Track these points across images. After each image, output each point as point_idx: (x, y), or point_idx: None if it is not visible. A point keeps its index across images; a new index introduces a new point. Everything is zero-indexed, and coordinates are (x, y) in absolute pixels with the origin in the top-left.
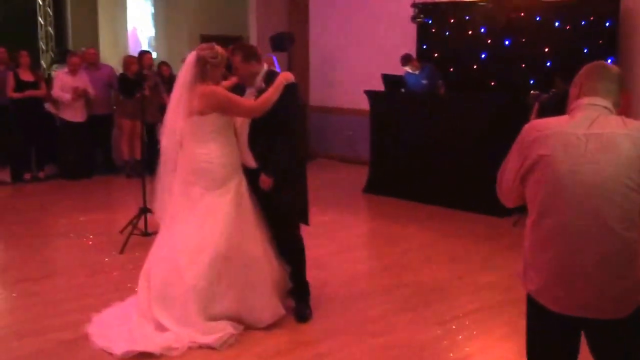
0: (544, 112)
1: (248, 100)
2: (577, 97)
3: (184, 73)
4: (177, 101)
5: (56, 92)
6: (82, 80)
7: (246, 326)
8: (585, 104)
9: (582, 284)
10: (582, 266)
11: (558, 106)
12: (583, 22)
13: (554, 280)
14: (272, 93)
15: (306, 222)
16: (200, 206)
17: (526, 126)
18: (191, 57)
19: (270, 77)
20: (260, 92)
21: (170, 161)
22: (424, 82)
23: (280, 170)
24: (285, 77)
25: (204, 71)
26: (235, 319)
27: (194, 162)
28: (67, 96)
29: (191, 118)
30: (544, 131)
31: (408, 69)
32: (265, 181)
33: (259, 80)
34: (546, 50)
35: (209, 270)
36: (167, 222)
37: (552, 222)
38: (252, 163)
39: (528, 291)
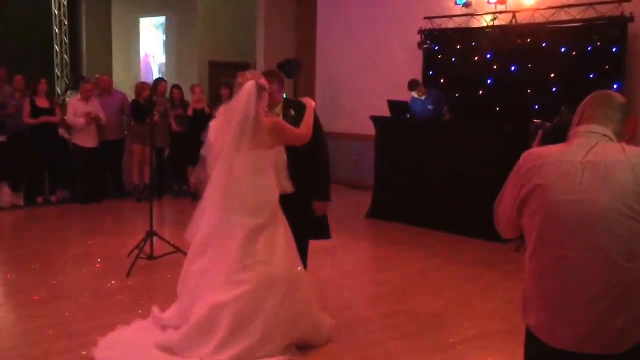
0: (547, 141)
1: (297, 128)
2: (577, 124)
3: (249, 104)
4: (241, 134)
5: (70, 117)
6: (94, 107)
7: (306, 346)
8: (583, 132)
9: (580, 317)
10: (581, 299)
11: (561, 135)
12: (590, 48)
13: (552, 314)
14: (310, 118)
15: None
16: (260, 238)
17: (523, 155)
18: (251, 86)
19: (291, 104)
20: (291, 118)
21: (219, 191)
22: (430, 107)
23: (329, 194)
24: (311, 103)
25: (258, 101)
26: (301, 342)
27: (258, 194)
28: (81, 120)
29: (256, 151)
30: (540, 160)
31: (415, 94)
32: (322, 207)
33: (280, 107)
34: (552, 76)
35: (284, 299)
36: (198, 248)
37: (550, 253)
38: (290, 189)
39: (527, 325)
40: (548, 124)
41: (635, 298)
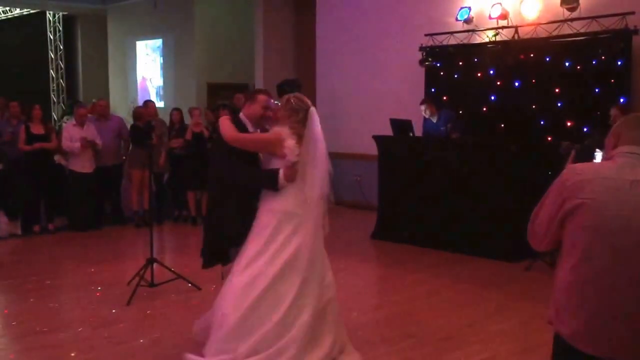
0: (579, 161)
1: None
2: (614, 146)
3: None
4: (324, 157)
5: (65, 143)
6: (90, 132)
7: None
8: (624, 152)
9: (621, 325)
10: (623, 307)
11: (588, 156)
12: (594, 62)
13: (592, 322)
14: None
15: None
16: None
17: (566, 170)
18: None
19: None
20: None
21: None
22: (443, 128)
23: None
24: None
25: None
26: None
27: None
28: (76, 145)
29: None
30: (586, 175)
31: (423, 108)
32: None
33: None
34: (557, 91)
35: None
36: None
37: (596, 266)
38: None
39: (561, 335)
40: (576, 144)
41: None
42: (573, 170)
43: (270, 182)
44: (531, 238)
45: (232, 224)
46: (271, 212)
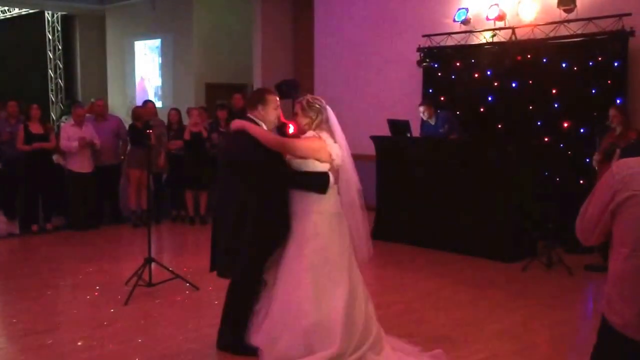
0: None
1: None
2: None
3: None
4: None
5: (63, 143)
6: (88, 131)
7: None
8: None
9: None
10: None
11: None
12: (591, 63)
13: None
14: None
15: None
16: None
17: (616, 164)
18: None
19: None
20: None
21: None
22: (442, 131)
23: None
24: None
25: None
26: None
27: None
28: (74, 144)
29: None
30: (637, 168)
31: (421, 109)
32: None
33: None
34: (554, 91)
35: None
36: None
37: None
38: None
39: (613, 325)
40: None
41: None
42: (624, 164)
43: (323, 186)
44: (580, 233)
45: (249, 259)
46: (318, 213)
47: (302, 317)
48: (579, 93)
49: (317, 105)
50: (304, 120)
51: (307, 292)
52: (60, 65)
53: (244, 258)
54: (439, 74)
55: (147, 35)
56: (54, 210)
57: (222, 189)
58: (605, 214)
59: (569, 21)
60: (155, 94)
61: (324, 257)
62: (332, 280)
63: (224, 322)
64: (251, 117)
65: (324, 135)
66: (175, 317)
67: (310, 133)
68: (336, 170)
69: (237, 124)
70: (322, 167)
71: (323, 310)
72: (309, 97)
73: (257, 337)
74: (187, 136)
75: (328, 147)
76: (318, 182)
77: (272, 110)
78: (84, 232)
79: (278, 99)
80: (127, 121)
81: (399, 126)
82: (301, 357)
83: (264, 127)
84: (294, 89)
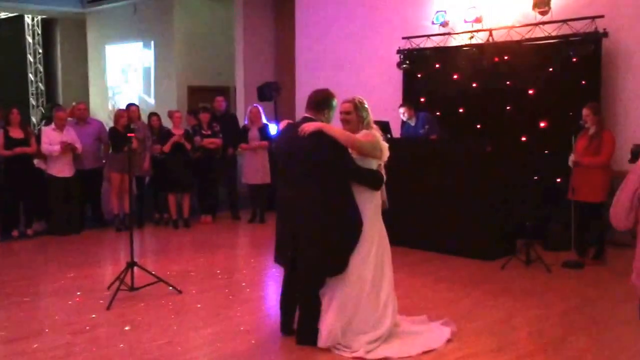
0: None
1: None
2: None
3: None
4: None
5: (45, 147)
6: (70, 135)
7: None
8: None
9: None
10: None
11: None
12: (565, 64)
13: None
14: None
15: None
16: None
17: None
18: None
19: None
20: None
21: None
22: (421, 132)
23: None
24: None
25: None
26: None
27: None
28: (56, 147)
29: None
30: None
31: (402, 110)
32: None
33: None
34: (530, 92)
35: None
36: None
37: None
38: None
39: None
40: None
41: None
42: None
43: (380, 181)
44: (614, 219)
45: (342, 252)
46: (368, 206)
47: (362, 300)
48: (555, 93)
49: (367, 105)
50: (355, 119)
51: (367, 278)
52: (41, 69)
53: (340, 252)
54: (419, 75)
55: (129, 39)
56: (34, 216)
57: (298, 189)
58: (635, 199)
59: (544, 23)
60: (139, 97)
61: (375, 249)
62: (385, 267)
63: (305, 319)
64: (312, 117)
65: (377, 132)
66: (158, 321)
67: (364, 131)
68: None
69: (311, 126)
70: (374, 163)
71: (379, 293)
72: (355, 97)
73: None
74: (167, 149)
75: (381, 144)
76: (376, 179)
77: (333, 114)
78: (66, 237)
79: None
80: (110, 124)
81: (380, 127)
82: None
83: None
84: (275, 91)
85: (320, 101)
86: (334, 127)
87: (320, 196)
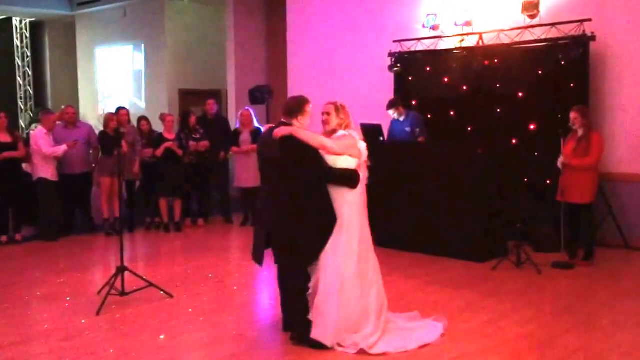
0: None
1: None
2: None
3: None
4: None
5: (47, 150)
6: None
7: None
8: None
9: None
10: None
11: None
12: (554, 67)
13: None
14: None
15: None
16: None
17: None
18: None
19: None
20: None
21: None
22: (408, 129)
23: None
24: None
25: None
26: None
27: None
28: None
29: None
30: None
31: (392, 112)
32: None
33: None
34: (520, 95)
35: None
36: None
37: None
38: None
39: None
40: None
41: None
42: None
43: (355, 181)
44: None
45: (309, 249)
46: (349, 205)
47: (340, 300)
48: (544, 96)
49: (347, 108)
50: (335, 121)
51: (343, 277)
52: (30, 73)
53: (306, 248)
54: (410, 79)
55: (119, 41)
56: (23, 221)
57: (272, 190)
58: None
59: (533, 27)
60: (129, 101)
61: (357, 245)
62: (370, 262)
63: (296, 313)
64: (287, 122)
65: (354, 133)
66: (148, 325)
67: (341, 132)
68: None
69: (283, 131)
70: (353, 163)
71: (358, 293)
72: (337, 101)
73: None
74: (159, 153)
75: (358, 144)
76: (351, 178)
77: (308, 119)
78: (55, 242)
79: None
80: (99, 128)
81: (371, 130)
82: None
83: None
84: (268, 94)
85: (293, 108)
86: (305, 131)
87: (290, 196)
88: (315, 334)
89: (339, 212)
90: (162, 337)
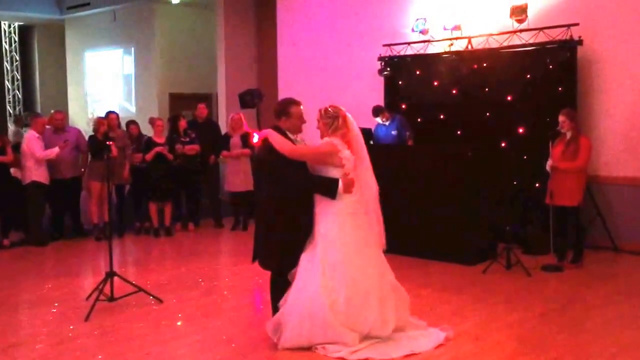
0: None
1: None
2: None
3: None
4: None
5: (41, 153)
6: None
7: None
8: None
9: None
10: None
11: None
12: (542, 71)
13: None
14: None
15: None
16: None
17: None
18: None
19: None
20: None
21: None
22: (394, 133)
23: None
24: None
25: None
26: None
27: None
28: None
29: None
30: None
31: (379, 119)
32: None
33: None
34: (509, 98)
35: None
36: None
37: None
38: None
39: None
40: None
41: None
42: None
43: (331, 190)
44: None
45: (284, 255)
46: (334, 214)
47: (311, 309)
48: (532, 99)
49: (331, 112)
50: (321, 126)
51: (315, 286)
52: (18, 77)
53: (277, 253)
54: (400, 82)
55: (108, 45)
56: (11, 226)
57: (259, 191)
58: None
59: (521, 31)
60: (119, 105)
61: (333, 255)
62: (340, 277)
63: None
64: (278, 125)
65: (336, 140)
66: (137, 331)
67: (325, 139)
68: (351, 179)
69: (263, 132)
70: (336, 171)
71: (329, 303)
72: (327, 105)
73: (269, 325)
74: (149, 157)
75: (340, 152)
76: (328, 187)
77: (295, 120)
78: (44, 247)
79: (302, 107)
80: (89, 132)
81: (362, 134)
82: (304, 344)
83: (290, 135)
84: (258, 98)
85: (278, 109)
86: (277, 135)
87: (271, 199)
88: (283, 339)
89: (321, 221)
90: (151, 342)
